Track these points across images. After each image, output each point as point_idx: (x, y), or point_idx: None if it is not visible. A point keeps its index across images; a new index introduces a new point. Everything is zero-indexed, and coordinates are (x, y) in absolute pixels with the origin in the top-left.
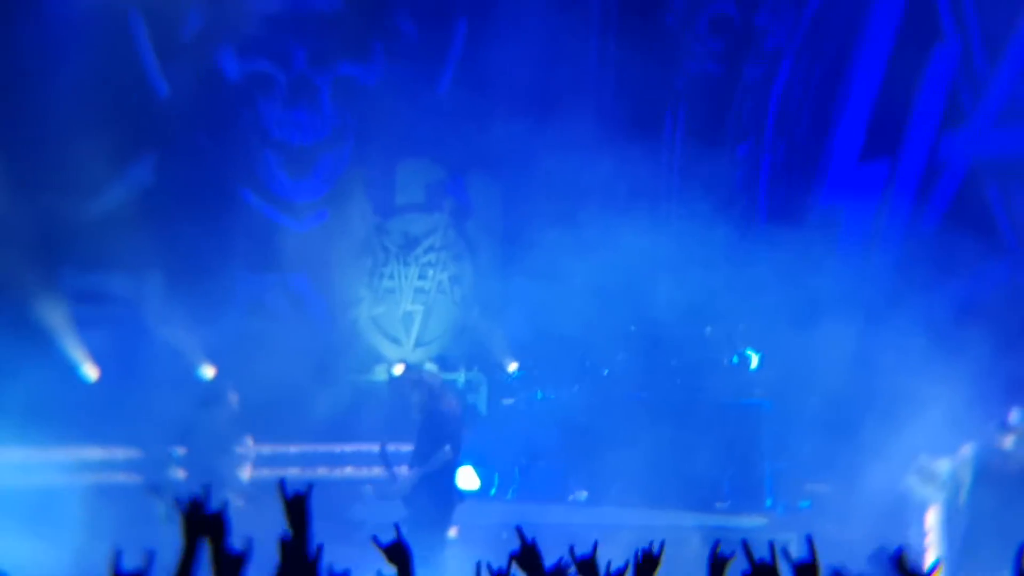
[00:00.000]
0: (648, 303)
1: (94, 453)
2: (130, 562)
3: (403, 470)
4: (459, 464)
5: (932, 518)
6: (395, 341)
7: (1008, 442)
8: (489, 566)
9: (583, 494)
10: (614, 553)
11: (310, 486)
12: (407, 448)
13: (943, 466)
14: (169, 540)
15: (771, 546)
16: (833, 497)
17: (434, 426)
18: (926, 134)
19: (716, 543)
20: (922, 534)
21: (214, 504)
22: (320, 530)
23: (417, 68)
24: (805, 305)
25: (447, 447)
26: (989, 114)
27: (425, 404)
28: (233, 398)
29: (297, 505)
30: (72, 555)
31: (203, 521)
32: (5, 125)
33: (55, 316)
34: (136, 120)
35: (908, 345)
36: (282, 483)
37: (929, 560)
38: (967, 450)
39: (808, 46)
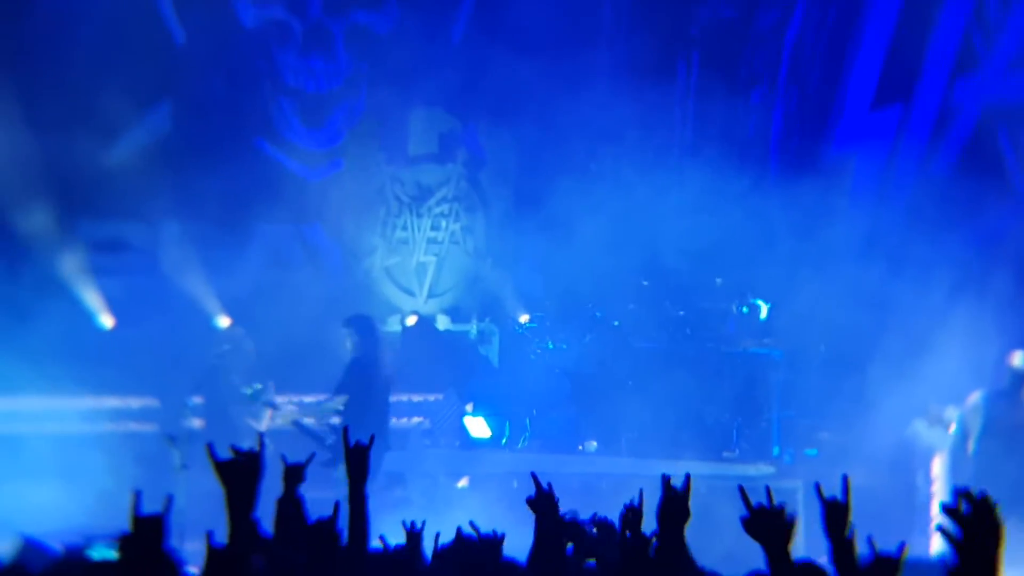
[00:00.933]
0: (659, 253)
1: (111, 402)
2: (148, 508)
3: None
4: (368, 419)
5: (939, 465)
6: (408, 292)
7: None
8: (475, 527)
9: (593, 444)
10: (623, 501)
11: (372, 437)
12: (422, 398)
13: (951, 412)
14: (184, 487)
15: (767, 490)
16: (840, 444)
17: (343, 375)
18: (939, 80)
19: (665, 477)
20: (928, 481)
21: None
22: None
23: (431, 16)
24: (816, 253)
25: (339, 397)
26: (1001, 60)
27: (350, 353)
28: (249, 346)
29: (358, 455)
30: (93, 500)
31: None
32: (22, 73)
33: (72, 265)
34: (153, 67)
35: (919, 292)
36: (345, 431)
37: (935, 504)
38: (976, 397)
39: None
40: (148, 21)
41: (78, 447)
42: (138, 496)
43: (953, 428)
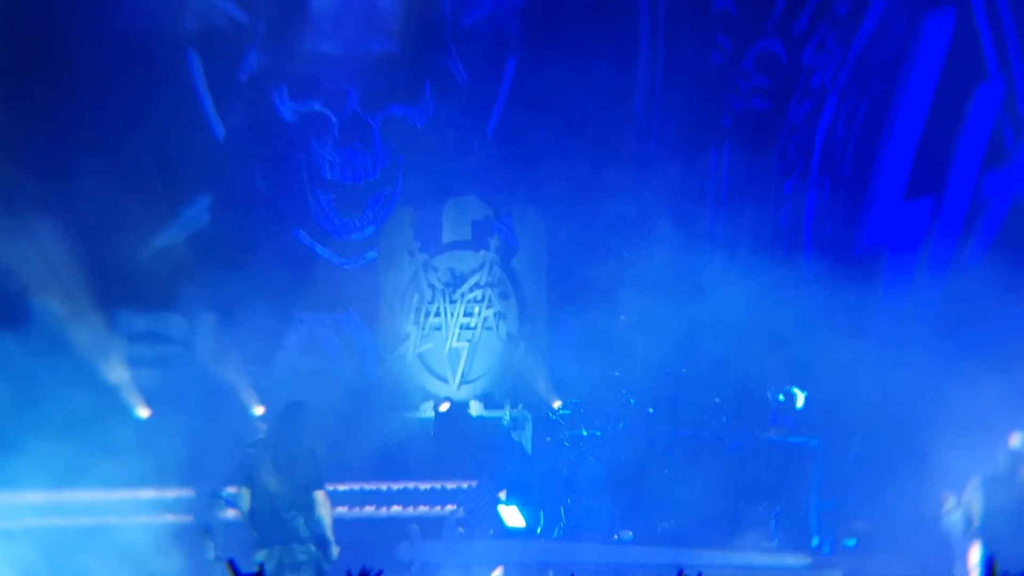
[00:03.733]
0: (693, 339)
1: (146, 493)
2: None
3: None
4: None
5: (975, 554)
6: (441, 378)
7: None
8: None
9: (628, 533)
10: None
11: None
12: (455, 485)
13: (951, 501)
14: None
15: None
16: (879, 534)
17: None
18: (970, 172)
19: (680, 571)
20: (965, 572)
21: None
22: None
23: (466, 108)
24: (850, 343)
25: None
26: None
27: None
28: (262, 429)
29: None
30: None
31: None
32: (62, 166)
33: (109, 356)
34: (193, 162)
35: (954, 381)
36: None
37: None
38: (974, 483)
39: (854, 84)
40: (189, 117)
41: (114, 539)
42: None
43: (958, 516)
